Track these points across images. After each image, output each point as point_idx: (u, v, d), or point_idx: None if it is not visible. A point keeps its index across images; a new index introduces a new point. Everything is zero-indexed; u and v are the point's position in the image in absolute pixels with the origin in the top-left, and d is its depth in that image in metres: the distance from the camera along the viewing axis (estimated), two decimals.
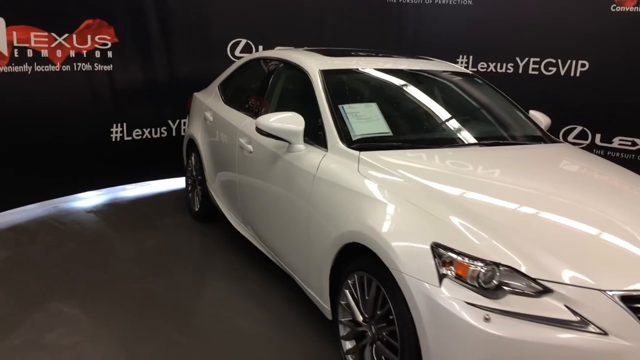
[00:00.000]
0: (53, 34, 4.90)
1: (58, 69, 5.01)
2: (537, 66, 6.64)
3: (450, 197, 2.60)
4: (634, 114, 6.22)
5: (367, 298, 2.64)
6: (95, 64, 5.28)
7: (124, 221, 4.96)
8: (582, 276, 2.19)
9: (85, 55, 5.18)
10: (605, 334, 2.10)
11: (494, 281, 2.20)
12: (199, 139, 4.79)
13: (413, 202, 2.55)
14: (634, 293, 2.17)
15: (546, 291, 2.17)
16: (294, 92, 3.77)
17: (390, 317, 2.46)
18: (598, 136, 6.51)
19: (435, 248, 2.30)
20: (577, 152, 3.55)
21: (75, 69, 5.13)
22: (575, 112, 6.59)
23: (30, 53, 4.78)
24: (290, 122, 3.23)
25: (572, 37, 6.49)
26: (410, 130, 3.45)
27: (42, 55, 4.87)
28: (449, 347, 2.19)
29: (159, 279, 3.87)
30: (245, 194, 3.93)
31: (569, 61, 6.48)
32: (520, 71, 6.71)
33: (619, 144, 6.38)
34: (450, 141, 3.35)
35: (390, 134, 3.23)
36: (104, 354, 2.96)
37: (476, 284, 2.20)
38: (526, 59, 6.65)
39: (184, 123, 5.81)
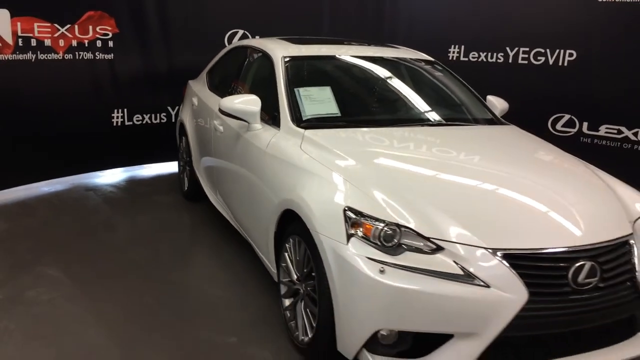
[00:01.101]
0: (56, 25, 5.30)
1: (61, 57, 5.40)
2: (526, 56, 6.79)
3: (369, 168, 2.87)
4: (620, 103, 6.33)
5: (298, 259, 2.93)
6: (97, 53, 5.67)
7: (119, 199, 5.34)
8: (471, 236, 2.44)
9: (87, 45, 5.57)
10: (487, 286, 2.36)
11: (395, 240, 2.47)
12: (187, 123, 5.14)
13: (336, 173, 2.83)
14: (515, 251, 2.42)
15: (439, 249, 2.44)
16: (263, 77, 4.07)
17: (313, 274, 2.75)
18: (585, 124, 6.64)
19: (346, 211, 2.58)
20: (518, 132, 3.77)
21: (77, 58, 5.52)
22: (563, 101, 6.73)
23: (34, 42, 5.18)
24: (247, 104, 3.54)
25: (560, 27, 6.63)
26: (359, 112, 3.72)
27: (45, 45, 5.27)
28: (352, 295, 2.47)
29: (142, 249, 4.22)
30: (219, 172, 4.26)
31: (557, 51, 6.61)
32: (510, 61, 6.87)
33: (605, 132, 6.50)
34: (397, 121, 3.60)
35: (339, 114, 3.50)
36: (75, 309, 3.32)
37: (378, 242, 2.47)
38: (516, 49, 6.81)
39: None
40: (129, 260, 4.02)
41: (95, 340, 3.01)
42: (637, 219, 2.81)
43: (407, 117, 3.70)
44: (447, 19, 7.05)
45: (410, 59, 4.25)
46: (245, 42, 4.89)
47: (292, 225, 2.98)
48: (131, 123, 6.09)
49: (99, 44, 5.66)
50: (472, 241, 2.43)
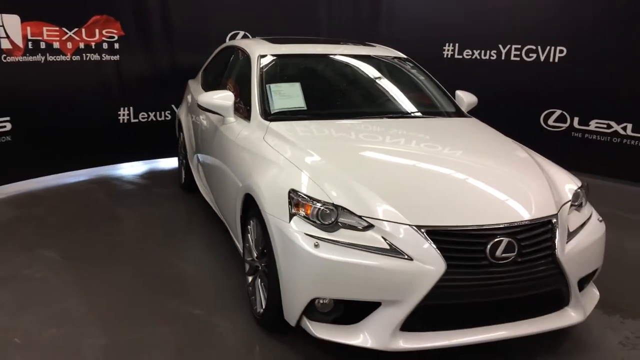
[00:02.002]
0: (64, 28, 5.70)
1: (69, 59, 5.81)
2: (518, 52, 6.99)
3: (317, 155, 3.15)
4: (609, 98, 6.49)
5: (256, 238, 3.23)
6: (104, 54, 6.07)
7: (122, 191, 5.73)
8: (398, 214, 2.71)
9: (93, 47, 5.98)
10: (411, 259, 2.63)
11: (332, 218, 2.75)
12: (183, 119, 5.49)
13: (287, 159, 3.13)
14: (436, 228, 2.68)
15: (370, 226, 2.71)
16: (244, 74, 4.38)
17: (265, 252, 3.05)
18: (576, 119, 6.81)
19: (290, 194, 2.87)
20: (473, 123, 4.01)
21: (84, 59, 5.93)
22: (554, 97, 6.91)
23: (43, 45, 5.60)
24: (221, 98, 3.86)
25: (551, 24, 6.80)
26: (324, 105, 4.00)
27: (54, 47, 5.68)
28: (292, 268, 2.76)
29: (134, 233, 4.59)
30: (204, 163, 4.60)
31: (548, 47, 6.79)
32: (503, 57, 7.07)
33: (596, 127, 6.66)
34: (360, 114, 3.88)
35: (305, 108, 3.80)
36: (62, 284, 3.67)
37: (317, 220, 2.75)
38: (508, 46, 7.01)
39: None
40: (118, 243, 4.37)
41: (76, 309, 3.36)
42: (565, 203, 3.04)
43: (370, 110, 3.98)
44: (442, 18, 7.28)
45: (383, 56, 4.52)
46: (232, 42, 5.22)
47: (252, 209, 3.28)
48: (137, 120, 6.47)
49: (105, 45, 6.05)
50: (398, 219, 2.70)
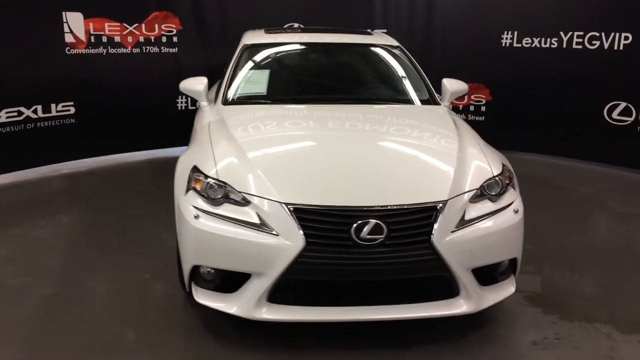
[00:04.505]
0: (124, 24, 6.38)
1: (129, 51, 6.48)
2: (580, 40, 6.54)
3: (237, 137, 3.34)
4: None
5: None
6: (162, 47, 6.68)
7: (160, 173, 6.17)
8: (274, 192, 2.84)
9: (153, 40, 6.60)
10: (277, 235, 2.77)
11: (219, 194, 2.96)
12: None
13: (210, 140, 3.37)
14: (302, 206, 2.78)
15: (248, 202, 2.88)
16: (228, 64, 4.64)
17: None
18: None
19: (192, 170, 3.12)
20: (430, 112, 3.96)
21: (144, 51, 6.57)
22: (619, 88, 6.39)
23: (104, 39, 6.31)
24: (195, 83, 4.17)
25: (616, 10, 6.30)
26: (286, 91, 4.17)
27: (115, 41, 6.38)
28: (181, 237, 3.04)
29: (146, 207, 5.02)
30: None
31: (613, 34, 6.29)
32: (564, 46, 6.64)
33: None
34: (318, 100, 3.99)
35: (265, 93, 4.01)
36: (58, 245, 4.22)
37: (205, 195, 2.98)
38: (570, 33, 6.58)
39: None
40: (134, 215, 4.86)
41: (51, 265, 3.90)
42: (465, 192, 2.95)
43: (330, 97, 4.07)
44: (500, 5, 6.97)
45: (371, 44, 4.55)
46: None
47: None
48: (194, 108, 7.00)
49: (164, 39, 6.66)
50: (271, 196, 2.83)
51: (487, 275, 3.00)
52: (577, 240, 4.50)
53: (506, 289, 3.09)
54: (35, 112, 5.93)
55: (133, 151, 6.84)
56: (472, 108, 7.24)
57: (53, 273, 3.78)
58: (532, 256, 4.01)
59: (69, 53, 6.09)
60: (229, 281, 2.91)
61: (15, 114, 5.78)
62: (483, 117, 7.22)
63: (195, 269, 2.97)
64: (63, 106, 6.17)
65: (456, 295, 2.91)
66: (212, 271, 2.95)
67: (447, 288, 2.90)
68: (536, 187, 5.75)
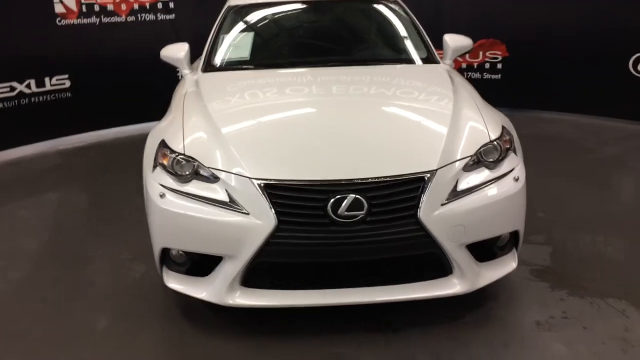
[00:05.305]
0: None
1: (124, 20, 6.22)
2: None
3: (208, 108, 3.05)
4: None
5: None
6: (159, 14, 6.40)
7: None
8: (244, 167, 2.58)
9: (148, 7, 6.32)
10: (247, 213, 2.51)
11: (187, 170, 2.70)
12: None
13: (181, 112, 3.10)
14: (272, 182, 2.51)
15: (217, 179, 2.62)
16: None
17: None
18: None
19: (160, 144, 2.86)
20: (429, 71, 3.62)
21: (139, 19, 6.30)
22: None
23: (97, 8, 6.04)
24: (175, 50, 3.90)
25: None
26: (270, 55, 3.86)
27: (108, 9, 6.11)
28: (149, 218, 2.79)
29: (125, 186, 4.70)
30: None
31: None
32: None
33: None
34: (306, 63, 3.68)
35: (247, 58, 3.71)
36: (40, 225, 4.06)
37: (172, 171, 2.73)
38: None
39: None
40: (112, 193, 4.64)
41: (28, 246, 3.74)
42: (457, 160, 2.65)
43: (320, 59, 3.73)
44: None
45: (367, 1, 4.20)
46: None
47: None
48: None
49: (159, 5, 6.37)
50: (240, 171, 2.57)
51: (485, 250, 2.71)
52: (595, 207, 4.12)
53: (507, 265, 2.80)
54: (28, 86, 5.75)
55: (132, 124, 6.61)
56: (487, 66, 6.81)
57: (30, 256, 3.61)
58: (543, 224, 3.71)
59: (60, 24, 5.85)
60: (201, 264, 2.68)
61: (7, 89, 5.59)
62: (499, 75, 6.80)
63: (165, 252, 2.74)
64: (57, 79, 5.97)
65: (449, 274, 2.63)
66: (183, 254, 2.72)
67: (439, 266, 2.63)
68: (557, 149, 5.39)
